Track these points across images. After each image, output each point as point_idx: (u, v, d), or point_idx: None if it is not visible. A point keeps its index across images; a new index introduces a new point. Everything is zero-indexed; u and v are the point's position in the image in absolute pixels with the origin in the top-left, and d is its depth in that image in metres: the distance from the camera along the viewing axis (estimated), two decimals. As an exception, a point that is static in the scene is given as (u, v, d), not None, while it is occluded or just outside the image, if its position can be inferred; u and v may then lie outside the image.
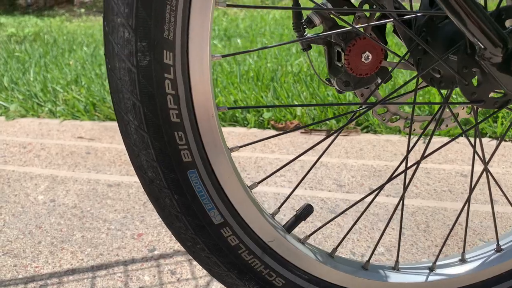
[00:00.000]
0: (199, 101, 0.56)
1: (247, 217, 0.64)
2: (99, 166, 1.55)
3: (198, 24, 0.53)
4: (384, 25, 0.71)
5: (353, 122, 1.84)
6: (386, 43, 0.73)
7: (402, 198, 0.70)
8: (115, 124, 1.98)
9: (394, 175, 0.68)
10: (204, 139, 0.58)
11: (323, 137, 1.76)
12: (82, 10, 6.87)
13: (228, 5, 0.55)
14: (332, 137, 1.67)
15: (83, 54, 3.50)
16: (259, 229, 0.65)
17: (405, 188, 0.70)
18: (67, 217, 1.24)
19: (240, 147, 0.64)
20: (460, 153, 1.55)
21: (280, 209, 0.72)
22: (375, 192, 0.69)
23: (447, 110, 0.74)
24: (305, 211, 0.69)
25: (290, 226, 0.69)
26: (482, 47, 0.54)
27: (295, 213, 0.70)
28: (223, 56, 0.59)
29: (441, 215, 1.18)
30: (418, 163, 0.68)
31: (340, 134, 1.91)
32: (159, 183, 0.58)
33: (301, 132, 1.79)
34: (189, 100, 0.56)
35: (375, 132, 1.77)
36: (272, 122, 1.87)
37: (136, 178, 1.45)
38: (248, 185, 0.65)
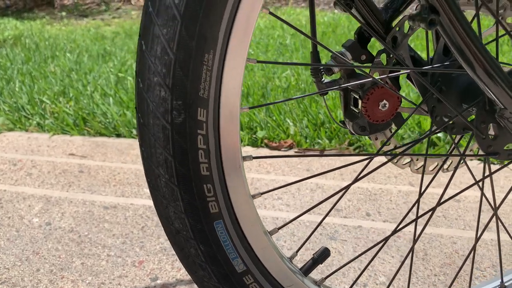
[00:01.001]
0: (227, 153, 0.57)
1: (268, 264, 0.65)
2: (94, 186, 1.54)
3: (230, 80, 0.53)
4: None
5: (346, 142, 1.87)
6: (399, 88, 0.75)
7: (412, 250, 0.72)
8: (106, 140, 1.96)
9: (399, 227, 0.70)
10: (231, 190, 0.59)
11: (317, 157, 1.79)
12: (63, 13, 6.76)
13: (258, 61, 0.56)
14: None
15: (67, 61, 3.45)
16: (279, 274, 0.66)
17: (415, 240, 0.72)
18: (65, 242, 1.23)
19: (262, 193, 0.65)
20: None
21: (297, 253, 0.73)
22: (383, 241, 0.71)
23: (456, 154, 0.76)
24: (323, 255, 0.71)
25: (307, 270, 0.70)
26: (503, 107, 0.56)
27: (312, 256, 0.71)
28: (250, 108, 0.60)
29: (437, 243, 1.21)
30: (433, 209, 0.70)
31: (333, 155, 1.94)
32: (186, 234, 0.58)
33: (295, 152, 1.81)
34: (218, 153, 0.56)
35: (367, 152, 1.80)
36: (265, 141, 1.88)
37: (132, 200, 1.44)
38: (269, 230, 0.66)
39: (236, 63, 0.53)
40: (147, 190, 1.51)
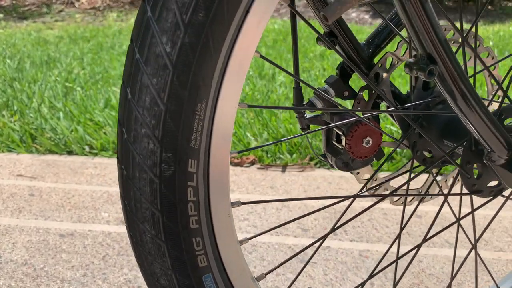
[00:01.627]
0: (217, 203, 0.54)
1: (255, 311, 0.62)
2: (47, 211, 1.44)
3: (221, 128, 0.50)
4: (377, 106, 0.73)
5: (307, 157, 1.87)
6: (379, 121, 0.74)
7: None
8: (57, 159, 1.85)
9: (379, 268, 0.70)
10: (220, 241, 0.56)
11: (278, 172, 1.78)
12: (1, 15, 6.37)
13: (249, 106, 0.53)
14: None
15: (7, 68, 3.24)
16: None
17: (396, 284, 0.72)
18: (18, 277, 1.13)
19: (249, 239, 0.62)
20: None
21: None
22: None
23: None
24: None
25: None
26: (491, 150, 0.57)
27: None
28: (239, 152, 0.57)
29: (404, 262, 1.23)
30: (418, 247, 0.70)
31: (296, 170, 1.94)
32: (172, 290, 0.54)
33: (258, 168, 1.79)
34: (207, 204, 0.53)
35: (328, 167, 1.81)
36: (226, 157, 1.84)
37: (90, 226, 1.36)
38: (256, 276, 0.63)
39: (228, 109, 0.50)
40: (105, 214, 1.43)
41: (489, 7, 6.07)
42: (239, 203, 0.58)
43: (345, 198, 0.64)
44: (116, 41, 4.44)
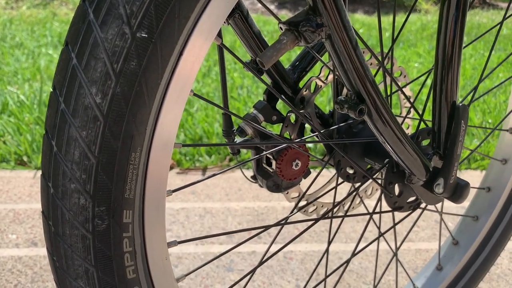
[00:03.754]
0: (153, 248, 0.52)
1: None
2: None
3: (156, 173, 0.48)
4: (303, 127, 0.75)
5: (226, 159, 1.87)
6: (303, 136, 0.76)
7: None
8: (-51, 174, 1.65)
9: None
10: (157, 285, 0.54)
11: (199, 176, 1.76)
12: None
13: (183, 145, 0.52)
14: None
15: None
16: None
17: None
18: None
19: (186, 275, 0.61)
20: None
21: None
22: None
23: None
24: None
25: None
26: (411, 173, 0.61)
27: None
28: (174, 190, 0.55)
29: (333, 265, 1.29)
30: (347, 262, 0.73)
31: (219, 173, 1.93)
32: None
33: (177, 173, 1.76)
34: (144, 252, 0.51)
35: (248, 168, 1.83)
36: (143, 162, 1.78)
37: (6, 252, 1.25)
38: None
39: (162, 153, 0.48)
40: (13, 236, 1.32)
41: (384, -1, 6.50)
42: (175, 243, 0.56)
43: (274, 225, 0.65)
44: (8, 32, 4.06)
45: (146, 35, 0.40)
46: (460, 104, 0.58)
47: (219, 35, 0.57)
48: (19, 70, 2.86)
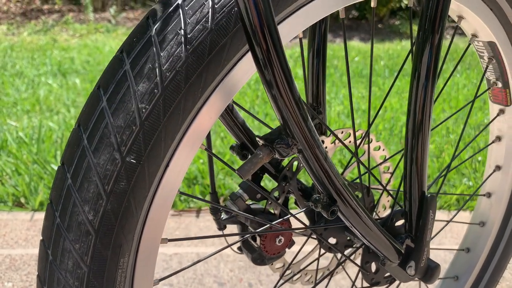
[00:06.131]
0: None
1: None
2: None
3: (144, 273, 0.52)
4: (287, 201, 0.79)
5: (221, 199, 1.91)
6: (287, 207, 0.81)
7: None
8: None
9: None
10: None
11: (193, 217, 1.79)
12: None
13: (170, 240, 0.56)
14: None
15: None
16: None
17: None
18: None
19: None
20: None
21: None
22: None
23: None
24: None
25: None
26: (384, 257, 0.65)
27: None
28: (160, 279, 0.59)
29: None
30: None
31: (210, 214, 1.96)
32: None
33: (172, 215, 1.79)
34: None
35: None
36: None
37: (-7, 301, 1.27)
38: None
39: (149, 255, 0.52)
40: (9, 284, 1.34)
41: (379, 25, 6.59)
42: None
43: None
44: (8, 59, 4.11)
45: (134, 160, 0.45)
46: (428, 195, 0.63)
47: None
48: (19, 101, 2.90)
